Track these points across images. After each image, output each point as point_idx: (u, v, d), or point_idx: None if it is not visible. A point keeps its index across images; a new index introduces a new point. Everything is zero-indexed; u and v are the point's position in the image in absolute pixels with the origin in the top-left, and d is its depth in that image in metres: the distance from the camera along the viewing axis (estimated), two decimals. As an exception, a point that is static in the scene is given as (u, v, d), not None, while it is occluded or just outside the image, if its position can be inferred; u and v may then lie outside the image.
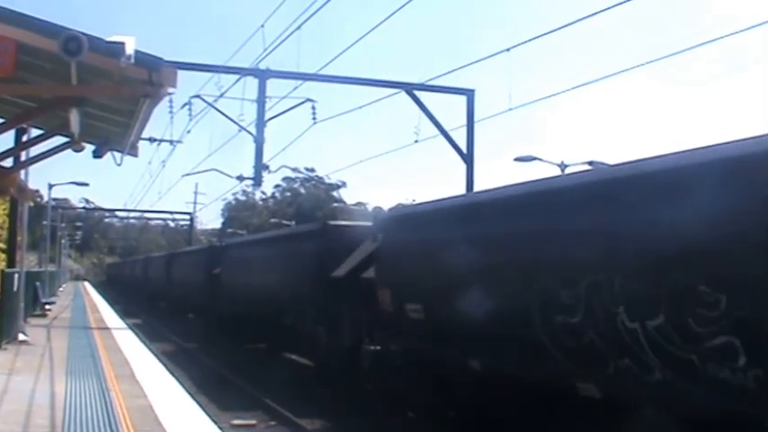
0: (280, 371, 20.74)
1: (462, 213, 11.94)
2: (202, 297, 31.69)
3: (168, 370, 15.92)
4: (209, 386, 18.07)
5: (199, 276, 32.68)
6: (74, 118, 10.95)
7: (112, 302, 45.07)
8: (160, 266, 46.36)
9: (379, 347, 14.74)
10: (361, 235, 16.77)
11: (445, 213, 12.56)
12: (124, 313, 38.01)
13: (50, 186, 40.59)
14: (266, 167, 23.57)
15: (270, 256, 22.77)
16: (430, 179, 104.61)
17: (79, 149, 12.64)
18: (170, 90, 9.32)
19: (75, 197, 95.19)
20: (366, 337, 15.29)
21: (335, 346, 16.99)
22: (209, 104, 23.73)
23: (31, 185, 22.04)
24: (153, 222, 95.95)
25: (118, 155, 13.09)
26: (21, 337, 19.54)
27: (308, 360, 21.09)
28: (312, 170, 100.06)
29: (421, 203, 15.27)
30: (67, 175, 62.23)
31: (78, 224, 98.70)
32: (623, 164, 9.41)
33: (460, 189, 23.23)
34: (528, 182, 10.93)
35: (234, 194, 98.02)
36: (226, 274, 27.72)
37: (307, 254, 18.97)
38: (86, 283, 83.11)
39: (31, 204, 24.85)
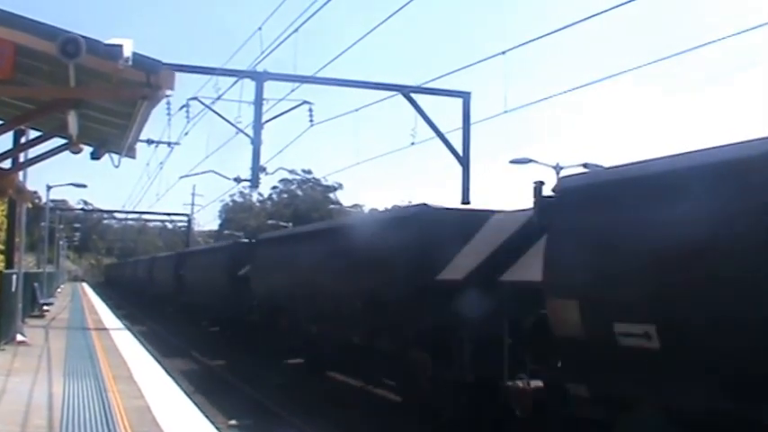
0: (356, 404, 16.63)
1: None
2: (223, 303, 27.70)
3: (165, 370, 15.95)
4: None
5: (219, 278, 28.34)
6: (72, 120, 11.00)
7: (114, 307, 42.54)
8: (168, 267, 41.99)
9: (541, 384, 10.43)
10: (473, 222, 13.32)
11: (729, 168, 7.41)
12: (127, 318, 36.28)
13: (49, 188, 40.48)
14: (263, 169, 23.59)
15: (328, 253, 17.85)
16: (426, 181, 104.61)
17: (77, 151, 12.67)
18: (168, 92, 9.37)
19: (74, 198, 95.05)
20: (509, 368, 11.05)
21: (450, 378, 12.69)
22: (207, 107, 23.75)
23: (30, 187, 22.05)
24: (151, 224, 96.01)
25: (116, 156, 13.15)
26: (19, 337, 19.59)
27: (384, 389, 17.21)
28: (309, 172, 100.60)
29: (650, 160, 8.65)
30: (66, 177, 61.96)
31: (76, 225, 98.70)
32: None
33: (457, 191, 23.35)
34: None
35: (231, 196, 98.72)
36: (256, 276, 23.85)
37: (397, 248, 14.06)
38: (84, 285, 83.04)
39: (30, 206, 24.80)
